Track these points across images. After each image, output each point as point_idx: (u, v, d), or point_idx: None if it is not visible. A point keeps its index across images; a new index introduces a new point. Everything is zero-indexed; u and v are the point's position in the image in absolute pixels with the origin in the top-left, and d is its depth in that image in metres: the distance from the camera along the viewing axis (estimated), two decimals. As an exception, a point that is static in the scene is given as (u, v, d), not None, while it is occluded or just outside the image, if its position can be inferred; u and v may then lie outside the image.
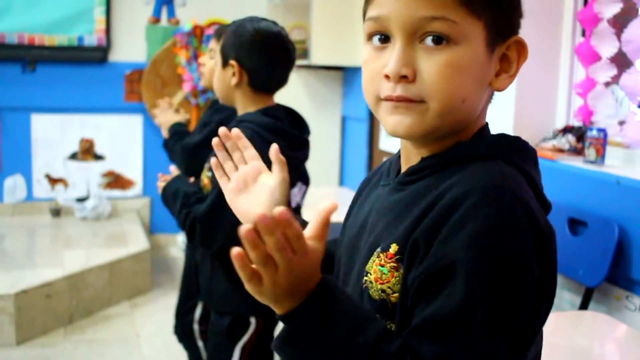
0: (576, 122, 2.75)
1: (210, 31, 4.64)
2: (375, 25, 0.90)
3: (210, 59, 2.72)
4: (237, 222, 1.86)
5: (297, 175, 2.02)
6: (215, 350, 2.11)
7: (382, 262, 0.89)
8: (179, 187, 2.00)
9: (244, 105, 2.01)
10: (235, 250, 0.76)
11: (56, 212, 5.02)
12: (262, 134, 1.88)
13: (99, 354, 3.41)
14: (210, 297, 2.10)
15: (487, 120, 0.98)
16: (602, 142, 2.46)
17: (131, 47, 5.07)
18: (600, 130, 2.47)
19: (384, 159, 3.85)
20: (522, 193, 0.84)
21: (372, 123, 4.35)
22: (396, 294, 0.86)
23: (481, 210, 0.80)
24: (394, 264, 0.87)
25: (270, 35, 1.96)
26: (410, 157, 0.96)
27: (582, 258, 2.31)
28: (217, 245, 1.90)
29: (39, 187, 5.09)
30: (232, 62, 1.95)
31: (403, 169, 0.98)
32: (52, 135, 5.05)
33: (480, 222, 0.80)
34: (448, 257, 0.80)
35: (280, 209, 0.76)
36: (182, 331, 2.74)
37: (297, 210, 2.06)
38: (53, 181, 5.10)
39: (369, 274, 0.90)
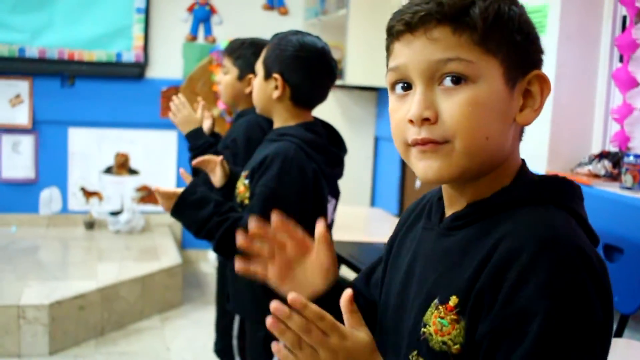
0: (612, 148, 2.73)
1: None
2: (396, 74, 0.93)
3: (225, 74, 2.72)
4: None
5: (330, 190, 2.03)
6: None
7: (442, 314, 0.89)
8: (206, 194, 1.94)
9: (284, 118, 2.01)
10: (268, 322, 0.83)
11: (90, 225, 5.08)
12: (304, 149, 1.90)
13: (130, 367, 3.45)
14: (242, 306, 2.09)
15: (521, 149, 0.99)
16: (639, 168, 2.45)
17: (168, 64, 5.15)
18: (637, 156, 2.45)
19: (417, 181, 3.82)
20: (576, 239, 0.85)
21: (405, 144, 4.35)
22: (457, 346, 0.87)
23: (541, 264, 0.82)
24: (454, 317, 0.87)
25: (315, 50, 1.96)
26: (453, 201, 0.97)
27: (617, 285, 2.29)
28: None
29: (74, 200, 5.17)
30: (276, 75, 1.95)
31: (447, 213, 0.98)
32: (88, 149, 5.13)
33: (541, 275, 0.81)
34: (516, 312, 0.81)
35: (291, 295, 0.82)
36: (222, 347, 2.72)
37: (329, 226, 2.06)
38: (88, 194, 5.18)
39: (427, 326, 0.90)
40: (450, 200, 0.97)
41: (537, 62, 0.94)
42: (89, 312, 3.70)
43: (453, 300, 0.88)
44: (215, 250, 1.95)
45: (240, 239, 1.09)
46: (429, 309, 0.91)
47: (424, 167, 0.92)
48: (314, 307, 0.84)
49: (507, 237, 0.85)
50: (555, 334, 0.80)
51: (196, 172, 2.76)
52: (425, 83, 0.90)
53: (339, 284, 1.10)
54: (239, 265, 1.11)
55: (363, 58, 4.33)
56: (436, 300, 0.90)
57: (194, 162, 2.23)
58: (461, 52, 0.88)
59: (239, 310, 2.13)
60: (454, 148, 0.89)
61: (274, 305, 0.84)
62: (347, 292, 0.91)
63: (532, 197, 0.90)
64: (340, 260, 2.57)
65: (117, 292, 3.88)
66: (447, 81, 0.88)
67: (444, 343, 0.88)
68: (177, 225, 5.24)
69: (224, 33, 5.13)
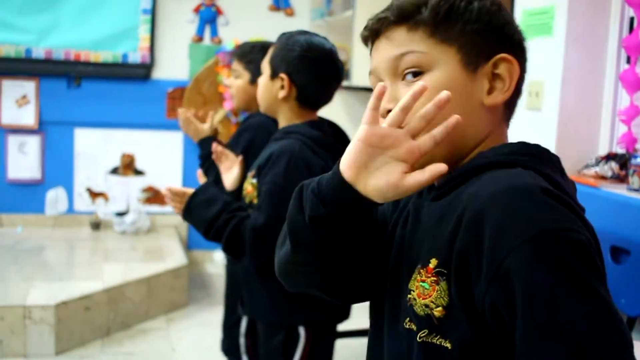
0: (620, 149, 2.73)
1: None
2: (373, 77, 1.02)
3: (235, 78, 2.73)
4: None
5: None
6: None
7: (423, 277, 0.92)
8: (215, 195, 1.97)
9: (289, 118, 2.01)
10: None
11: (96, 226, 5.09)
12: (311, 146, 1.89)
13: (135, 368, 3.45)
14: (258, 309, 2.07)
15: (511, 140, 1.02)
16: (646, 170, 2.44)
17: (174, 65, 5.16)
18: (644, 158, 2.44)
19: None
20: (534, 183, 0.87)
21: (411, 145, 4.36)
22: (439, 308, 0.89)
23: (504, 214, 0.84)
24: (434, 278, 0.90)
25: (323, 51, 1.96)
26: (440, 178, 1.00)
27: (624, 287, 2.29)
28: (265, 258, 1.87)
29: (79, 201, 5.18)
30: (283, 75, 1.95)
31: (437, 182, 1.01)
32: (94, 149, 5.14)
33: (517, 223, 0.82)
34: (502, 274, 0.82)
35: None
36: (229, 346, 2.72)
37: None
38: (94, 195, 5.19)
39: (412, 292, 0.94)
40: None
41: (504, 47, 0.98)
42: (95, 312, 3.71)
43: (433, 262, 0.91)
44: (224, 249, 1.95)
45: None
46: (413, 275, 0.94)
47: None
48: None
49: (472, 198, 0.88)
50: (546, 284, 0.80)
51: (209, 172, 2.77)
52: (390, 79, 0.99)
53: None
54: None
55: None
56: (419, 265, 0.94)
57: (217, 147, 2.21)
58: (414, 46, 0.96)
59: (254, 314, 2.10)
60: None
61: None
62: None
63: (500, 160, 0.94)
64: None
65: (122, 293, 3.88)
66: (409, 76, 0.97)
67: (427, 306, 0.90)
68: (183, 226, 5.24)
69: (230, 34, 5.13)
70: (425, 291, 0.90)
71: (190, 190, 1.99)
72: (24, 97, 4.98)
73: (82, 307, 3.64)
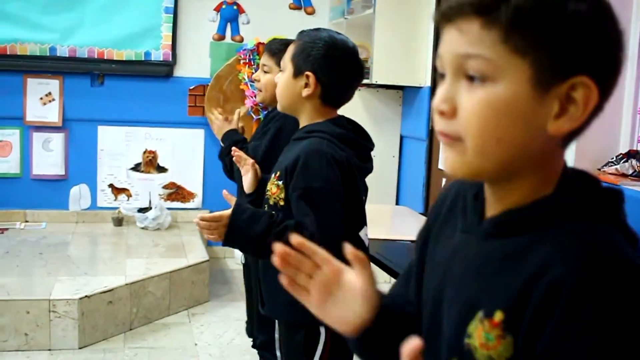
0: (640, 147, 2.73)
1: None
2: (438, 62, 0.91)
3: (265, 73, 2.76)
4: (338, 231, 1.81)
5: (361, 187, 2.02)
6: None
7: (487, 328, 0.87)
8: (255, 211, 1.90)
9: (311, 116, 1.99)
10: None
11: (118, 221, 5.15)
12: (335, 143, 1.90)
13: (158, 361, 3.50)
14: (277, 310, 2.06)
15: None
16: (666, 167, 2.45)
17: (196, 63, 5.21)
18: (664, 155, 2.45)
19: (444, 180, 3.82)
20: (625, 258, 0.83)
21: (431, 143, 4.37)
22: (503, 359, 0.87)
23: (593, 288, 0.80)
24: (500, 332, 0.86)
25: (347, 50, 1.96)
26: (492, 203, 0.94)
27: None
28: None
29: (102, 197, 5.24)
30: (308, 73, 1.93)
31: (487, 213, 0.95)
32: (117, 146, 5.21)
33: (595, 299, 0.79)
34: (571, 334, 0.80)
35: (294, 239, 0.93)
36: (264, 340, 2.72)
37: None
38: (117, 191, 5.25)
39: (471, 337, 0.89)
40: (489, 201, 0.95)
41: (589, 66, 0.83)
42: (118, 306, 3.76)
43: (498, 315, 0.86)
44: None
45: (276, 259, 1.02)
46: (473, 321, 0.89)
47: (444, 158, 0.91)
48: (323, 252, 0.92)
49: (556, 258, 0.83)
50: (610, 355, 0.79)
51: (229, 170, 2.81)
52: (452, 75, 0.88)
53: (385, 311, 1.03)
54: (287, 282, 1.04)
55: (389, 57, 4.35)
56: (481, 314, 0.88)
57: (235, 151, 2.24)
58: (483, 49, 0.83)
59: (274, 314, 2.09)
60: (466, 147, 0.86)
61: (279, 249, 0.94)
62: (413, 344, 0.84)
63: (576, 210, 0.87)
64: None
65: (145, 288, 3.93)
66: (475, 80, 0.85)
67: (490, 357, 0.87)
68: (204, 223, 5.28)
69: (251, 32, 5.17)
70: (490, 342, 0.87)
71: (226, 213, 1.87)
72: (49, 94, 5.05)
73: (105, 302, 3.70)
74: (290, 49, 2.01)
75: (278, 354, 2.53)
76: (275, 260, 1.01)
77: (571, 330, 0.80)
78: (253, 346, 2.83)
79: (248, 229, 1.85)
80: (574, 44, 0.82)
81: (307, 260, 1.02)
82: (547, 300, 0.82)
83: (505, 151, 0.86)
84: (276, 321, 2.40)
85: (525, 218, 0.89)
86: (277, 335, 2.50)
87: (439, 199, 1.09)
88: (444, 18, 0.88)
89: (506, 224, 0.90)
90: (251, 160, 2.20)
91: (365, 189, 2.09)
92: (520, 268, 0.86)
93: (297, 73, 1.96)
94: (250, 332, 3.09)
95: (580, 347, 0.79)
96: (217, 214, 1.87)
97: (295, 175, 1.89)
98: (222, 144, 3.00)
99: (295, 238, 1.00)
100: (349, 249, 0.98)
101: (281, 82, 2.02)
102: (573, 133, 0.87)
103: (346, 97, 2.01)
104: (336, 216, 1.87)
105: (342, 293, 1.02)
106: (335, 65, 1.93)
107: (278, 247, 0.99)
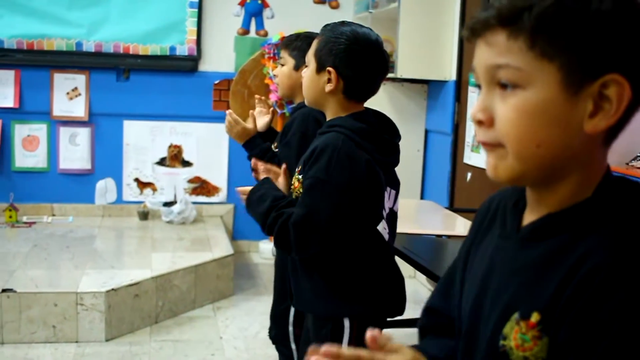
0: (669, 141, 2.70)
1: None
2: (474, 75, 0.94)
3: (281, 66, 2.76)
4: (334, 228, 1.85)
5: (387, 179, 2.01)
6: None
7: (523, 330, 0.88)
8: (267, 191, 2.00)
9: (335, 111, 1.99)
10: None
11: (144, 215, 5.19)
12: (354, 138, 1.90)
13: (183, 354, 3.52)
14: (305, 302, 2.08)
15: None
16: (696, 161, 2.41)
17: (220, 58, 5.23)
18: (694, 149, 2.42)
19: (469, 174, 3.80)
20: None
21: (457, 137, 4.35)
22: None
23: (621, 282, 0.81)
24: (536, 333, 0.87)
25: (369, 43, 1.93)
26: (533, 207, 0.95)
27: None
28: (312, 251, 1.90)
29: (128, 191, 5.28)
30: (330, 69, 1.92)
31: (526, 219, 0.96)
32: (142, 140, 5.24)
33: (621, 294, 0.80)
34: (592, 326, 0.81)
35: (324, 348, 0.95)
36: (278, 333, 2.75)
37: (391, 216, 2.05)
38: (142, 185, 5.29)
39: (507, 339, 0.90)
40: (531, 206, 0.96)
41: (619, 64, 0.84)
42: (144, 300, 3.80)
43: (535, 316, 0.87)
44: (275, 245, 1.98)
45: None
46: (509, 323, 0.90)
47: (487, 164, 0.93)
48: (349, 351, 0.93)
49: (590, 256, 0.84)
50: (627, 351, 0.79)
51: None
52: (485, 86, 0.91)
53: None
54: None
55: (414, 51, 4.34)
56: (517, 315, 0.89)
57: (253, 164, 2.28)
58: (511, 59, 0.86)
59: (303, 307, 2.11)
60: (507, 152, 0.88)
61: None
62: (370, 333, 0.94)
63: (615, 213, 0.88)
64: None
65: (170, 281, 3.96)
66: (507, 87, 0.88)
67: (526, 358, 0.88)
68: (229, 216, 5.32)
69: (276, 27, 5.18)
70: (526, 344, 0.88)
71: (249, 188, 2.09)
72: (75, 89, 5.09)
73: (131, 295, 3.73)
74: (314, 44, 2.00)
75: (293, 346, 2.54)
76: None
77: (598, 316, 0.80)
78: (270, 338, 2.86)
79: (257, 207, 2.00)
80: (600, 43, 0.83)
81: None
82: (579, 292, 0.83)
83: (545, 154, 0.87)
84: (290, 313, 2.42)
85: (563, 222, 0.90)
86: (291, 329, 2.52)
87: (481, 211, 1.10)
88: (472, 34, 0.91)
89: (544, 228, 0.92)
90: (278, 170, 2.19)
91: (396, 183, 2.08)
92: (556, 270, 0.87)
93: (320, 68, 1.96)
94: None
95: (605, 334, 0.79)
96: (247, 188, 2.09)
97: (307, 167, 1.92)
98: (245, 149, 2.92)
99: (324, 349, 0.96)
100: (368, 334, 0.97)
101: (306, 77, 2.03)
102: (613, 130, 0.88)
103: (371, 91, 1.99)
104: (332, 210, 1.86)
105: None
106: (357, 59, 1.92)
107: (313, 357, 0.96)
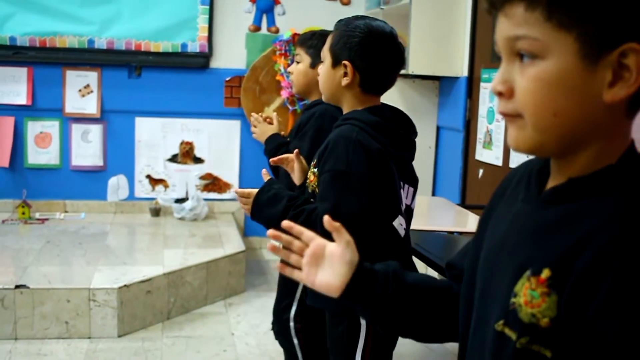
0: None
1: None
2: (496, 47, 0.95)
3: (297, 64, 2.76)
4: (361, 220, 1.83)
5: (403, 176, 2.00)
6: (337, 358, 2.08)
7: (533, 286, 0.89)
8: (279, 192, 1.97)
9: (352, 105, 1.99)
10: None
11: (156, 212, 5.21)
12: (367, 131, 1.89)
13: (195, 350, 3.53)
14: (320, 299, 2.07)
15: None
16: None
17: (232, 54, 5.23)
18: None
19: (480, 171, 3.78)
20: None
21: (468, 134, 4.34)
22: (546, 319, 0.87)
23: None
24: (545, 289, 0.87)
25: (384, 35, 1.93)
26: (555, 174, 0.96)
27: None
28: None
29: (140, 187, 5.30)
30: (346, 62, 1.92)
31: (549, 185, 0.97)
32: (154, 137, 5.26)
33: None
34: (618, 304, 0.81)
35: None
36: (279, 328, 2.78)
37: (407, 213, 2.04)
38: (154, 182, 5.31)
39: (517, 296, 0.91)
40: (553, 173, 0.97)
41: (637, 32, 0.84)
42: (156, 296, 3.81)
43: (545, 273, 0.88)
44: None
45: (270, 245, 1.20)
46: (521, 280, 0.91)
47: (508, 135, 0.94)
48: (309, 232, 1.16)
49: (608, 224, 0.84)
50: None
51: (276, 172, 2.82)
52: (506, 58, 0.92)
53: (361, 269, 1.17)
54: (279, 266, 1.20)
55: (426, 47, 4.33)
56: (528, 272, 0.90)
57: (272, 160, 2.25)
58: (529, 29, 0.87)
59: (318, 304, 2.09)
60: (526, 123, 0.90)
61: (271, 232, 1.17)
62: (325, 219, 1.15)
63: (634, 182, 0.88)
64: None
65: (182, 278, 3.98)
66: (525, 58, 0.89)
67: (533, 315, 0.88)
68: (240, 213, 5.33)
69: (287, 23, 5.18)
70: (534, 300, 0.88)
71: (255, 190, 2.01)
72: (87, 86, 5.11)
73: (143, 291, 3.74)
74: (329, 39, 2.00)
75: (295, 341, 2.54)
76: (268, 245, 1.20)
77: (622, 297, 0.80)
78: (273, 332, 2.89)
79: (269, 209, 1.95)
80: (617, 13, 0.84)
81: (296, 241, 1.19)
82: (596, 265, 0.83)
83: (563, 124, 0.88)
84: (292, 309, 2.43)
85: (583, 186, 0.91)
86: (292, 324, 2.53)
87: (506, 179, 1.12)
88: (492, 7, 0.93)
89: (564, 192, 0.92)
90: (292, 155, 2.19)
91: (413, 180, 2.06)
92: (572, 230, 0.87)
93: (336, 62, 1.96)
94: None
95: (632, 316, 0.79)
96: (247, 190, 2.03)
97: (323, 160, 1.91)
98: (265, 145, 2.96)
99: (285, 222, 1.21)
100: (325, 220, 1.16)
101: (322, 72, 2.03)
102: (635, 100, 0.88)
103: (386, 84, 1.99)
104: (357, 201, 1.86)
105: (326, 262, 1.17)
106: (372, 52, 1.92)
107: (270, 232, 1.19)
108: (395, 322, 1.20)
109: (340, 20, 2.01)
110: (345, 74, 1.94)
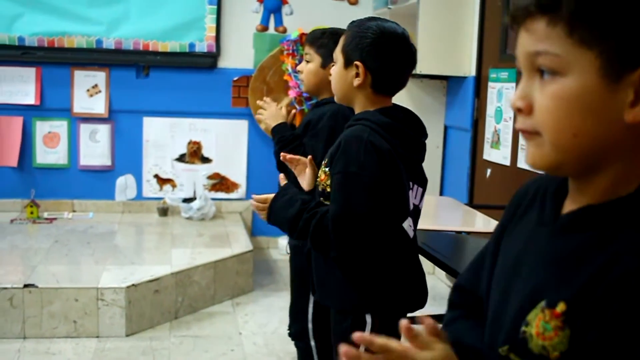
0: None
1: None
2: (517, 63, 0.93)
3: (307, 63, 2.75)
4: (372, 221, 1.83)
5: (413, 177, 2.00)
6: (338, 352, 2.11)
7: (547, 318, 0.87)
8: (293, 195, 1.99)
9: (364, 106, 1.99)
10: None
11: (163, 212, 5.22)
12: (378, 131, 1.90)
13: (203, 350, 3.54)
14: (326, 296, 2.08)
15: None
16: None
17: (239, 54, 5.24)
18: None
19: (488, 170, 3.77)
20: None
21: (476, 133, 4.34)
22: (556, 353, 0.86)
23: None
24: (559, 324, 0.86)
25: (396, 36, 1.94)
26: (573, 196, 0.94)
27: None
28: (351, 248, 1.87)
29: (148, 187, 5.31)
30: (358, 62, 1.93)
31: (566, 207, 0.95)
32: (162, 137, 5.27)
33: None
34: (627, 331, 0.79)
35: (355, 335, 0.91)
36: (297, 330, 2.76)
37: (415, 213, 2.04)
38: (162, 181, 5.32)
39: (529, 326, 0.89)
40: (571, 193, 0.94)
41: None
42: (164, 295, 3.82)
43: (561, 306, 0.86)
44: (313, 247, 1.96)
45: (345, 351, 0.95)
46: (534, 310, 0.89)
47: (526, 152, 0.92)
48: (380, 340, 0.88)
49: (627, 256, 0.82)
50: None
51: (283, 166, 2.81)
52: (527, 73, 0.90)
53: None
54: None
55: (433, 47, 4.32)
56: (543, 303, 0.88)
57: (285, 156, 2.21)
58: (550, 45, 0.85)
59: (325, 300, 2.11)
60: (544, 141, 0.88)
61: (344, 350, 0.90)
62: (403, 323, 0.92)
63: None
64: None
65: (190, 277, 3.98)
66: (545, 75, 0.87)
67: (544, 347, 0.87)
68: (248, 213, 5.33)
69: (295, 23, 5.18)
70: (546, 333, 0.87)
71: (272, 196, 2.05)
72: (95, 86, 5.13)
73: (151, 290, 3.75)
74: (341, 40, 2.01)
75: (312, 343, 2.53)
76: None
77: (629, 322, 0.79)
78: (289, 335, 2.86)
79: (284, 212, 1.97)
80: None
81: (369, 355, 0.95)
82: (611, 294, 0.81)
83: (582, 143, 0.86)
84: (309, 310, 2.42)
85: (602, 215, 0.88)
86: (310, 325, 2.52)
87: (517, 196, 1.09)
88: (514, 21, 0.91)
89: (583, 220, 0.90)
90: (305, 159, 2.18)
91: (422, 181, 2.06)
92: (590, 263, 0.85)
93: (348, 63, 1.97)
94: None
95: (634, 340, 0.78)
96: (264, 195, 2.07)
97: (335, 161, 1.91)
98: (270, 135, 2.92)
99: (356, 335, 0.95)
100: (402, 324, 0.94)
101: (334, 73, 2.04)
102: None
103: (398, 85, 2.00)
104: (368, 203, 1.86)
105: None
106: (384, 53, 1.93)
107: (343, 348, 0.94)
108: None
109: (353, 21, 2.02)
110: (357, 75, 1.95)
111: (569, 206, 0.94)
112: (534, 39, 0.87)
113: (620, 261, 0.82)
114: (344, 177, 1.88)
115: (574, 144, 0.86)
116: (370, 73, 1.94)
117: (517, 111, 0.90)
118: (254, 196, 2.11)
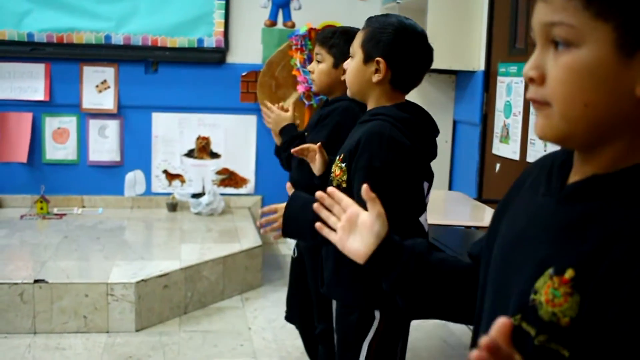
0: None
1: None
2: (532, 33, 0.94)
3: (318, 63, 2.74)
4: (398, 216, 1.84)
5: (423, 173, 2.01)
6: (344, 346, 2.09)
7: (556, 285, 0.88)
8: (309, 197, 1.88)
9: (379, 101, 2.00)
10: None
11: (172, 207, 5.23)
12: (398, 127, 1.90)
13: (212, 345, 3.55)
14: (334, 289, 2.09)
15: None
16: None
17: (248, 49, 5.24)
18: None
19: (497, 165, 3.76)
20: None
21: (485, 128, 4.32)
22: (567, 319, 0.86)
23: None
24: (568, 290, 0.86)
25: (417, 35, 1.95)
26: (578, 168, 0.94)
27: None
28: None
29: (157, 182, 5.33)
30: (379, 59, 1.93)
31: (571, 179, 0.95)
32: (170, 132, 5.28)
33: None
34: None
35: (484, 340, 0.77)
36: (323, 330, 2.73)
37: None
38: (170, 177, 5.33)
39: (538, 294, 0.90)
40: (576, 166, 0.95)
41: None
42: (173, 290, 3.83)
43: (569, 273, 0.86)
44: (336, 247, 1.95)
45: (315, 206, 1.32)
46: (542, 277, 0.90)
47: (535, 122, 0.93)
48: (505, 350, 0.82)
49: (634, 225, 0.82)
50: None
51: (288, 165, 2.82)
52: (541, 44, 0.90)
53: (388, 242, 1.24)
54: (318, 225, 1.32)
55: (442, 41, 4.30)
56: (550, 270, 0.89)
57: (293, 150, 2.25)
58: (566, 16, 0.85)
59: (331, 294, 2.12)
60: (554, 111, 0.88)
61: (318, 194, 1.25)
62: (364, 187, 1.24)
63: None
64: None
65: (199, 272, 3.99)
66: (559, 46, 0.88)
67: (554, 314, 0.87)
68: (257, 208, 5.34)
69: (303, 18, 5.17)
70: (556, 299, 0.87)
71: (282, 205, 1.96)
72: (104, 82, 5.14)
73: (161, 286, 3.76)
74: (360, 36, 2.01)
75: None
76: (315, 206, 1.32)
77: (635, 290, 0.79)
78: (314, 335, 2.84)
79: (301, 217, 1.87)
80: None
81: (337, 205, 1.30)
82: (620, 267, 0.81)
83: (592, 116, 0.87)
84: (334, 310, 2.41)
85: (608, 184, 0.89)
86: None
87: (525, 172, 1.11)
88: None
89: (587, 188, 0.91)
90: (313, 146, 2.21)
91: (429, 175, 2.07)
92: (598, 229, 0.86)
93: (368, 59, 1.97)
94: (289, 319, 3.12)
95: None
96: (274, 205, 2.03)
97: (357, 157, 1.92)
98: (275, 138, 2.93)
99: (329, 188, 1.33)
100: (364, 188, 1.25)
101: (351, 68, 2.03)
102: None
103: (415, 82, 2.02)
104: (391, 197, 1.86)
105: (358, 229, 1.26)
106: (406, 50, 1.93)
107: (318, 193, 1.32)
108: (414, 298, 1.25)
109: (371, 17, 2.03)
110: (377, 71, 1.95)
111: (573, 177, 0.95)
112: (551, 10, 0.87)
113: (630, 231, 0.82)
114: (366, 172, 1.88)
115: (583, 115, 0.87)
116: (390, 69, 1.94)
117: (530, 81, 0.90)
118: (262, 210, 2.07)
